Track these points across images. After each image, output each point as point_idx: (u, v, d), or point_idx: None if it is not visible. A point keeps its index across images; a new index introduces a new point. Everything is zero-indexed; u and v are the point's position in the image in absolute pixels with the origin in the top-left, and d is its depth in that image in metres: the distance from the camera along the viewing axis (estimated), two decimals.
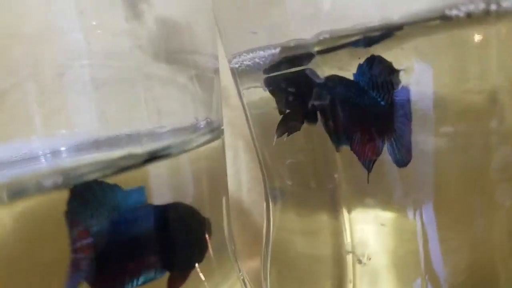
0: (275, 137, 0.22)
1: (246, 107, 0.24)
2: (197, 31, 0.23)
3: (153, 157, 0.19)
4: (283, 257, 0.26)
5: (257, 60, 0.21)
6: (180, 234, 0.19)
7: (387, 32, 0.18)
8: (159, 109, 0.22)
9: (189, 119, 0.22)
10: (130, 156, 0.18)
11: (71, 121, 0.19)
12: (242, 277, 0.24)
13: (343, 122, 0.20)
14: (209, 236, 0.21)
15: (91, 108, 0.19)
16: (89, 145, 0.19)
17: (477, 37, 0.17)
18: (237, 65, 0.23)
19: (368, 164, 0.20)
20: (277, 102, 0.22)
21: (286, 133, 0.22)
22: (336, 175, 0.21)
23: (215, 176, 0.22)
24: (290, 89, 0.21)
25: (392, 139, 0.19)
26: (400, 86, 0.18)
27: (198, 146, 0.21)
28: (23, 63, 0.17)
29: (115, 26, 0.21)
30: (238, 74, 0.23)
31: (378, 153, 0.20)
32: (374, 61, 0.19)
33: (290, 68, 0.20)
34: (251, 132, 0.26)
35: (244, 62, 0.22)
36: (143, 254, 0.18)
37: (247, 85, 0.23)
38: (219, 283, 0.23)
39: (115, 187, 0.18)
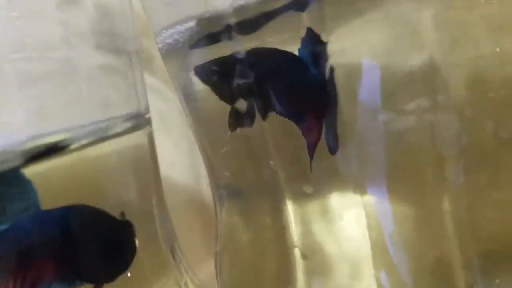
0: (228, 132, 0.20)
1: (181, 98, 0.22)
2: (126, 13, 0.22)
3: (49, 149, 0.16)
4: (231, 256, 0.23)
5: (176, 36, 0.18)
6: (86, 241, 0.17)
7: None
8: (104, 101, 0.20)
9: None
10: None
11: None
12: (184, 281, 0.22)
13: (281, 101, 0.18)
14: (133, 240, 0.19)
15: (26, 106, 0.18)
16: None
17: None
18: (160, 45, 0.20)
19: (311, 149, 0.18)
20: (217, 92, 0.19)
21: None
22: (271, 162, 0.19)
23: (140, 172, 0.20)
24: (215, 69, 0.18)
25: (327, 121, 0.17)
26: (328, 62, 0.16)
27: (108, 138, 0.18)
28: None
29: (47, 14, 0.19)
30: (164, 56, 0.21)
31: (320, 137, 0.17)
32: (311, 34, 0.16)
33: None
34: (191, 126, 0.23)
35: (166, 41, 0.19)
36: (41, 264, 0.16)
37: (175, 71, 0.21)
38: None
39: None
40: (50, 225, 0.16)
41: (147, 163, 0.20)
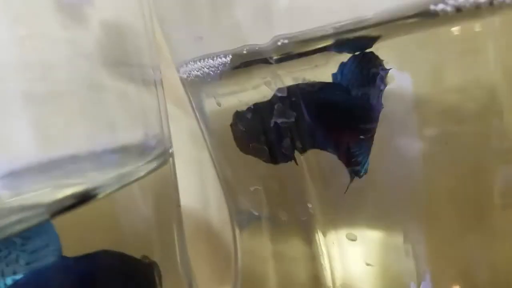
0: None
1: (200, 121, 0.21)
2: (139, 39, 0.21)
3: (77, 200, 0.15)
4: (253, 286, 0.22)
5: (206, 70, 0.17)
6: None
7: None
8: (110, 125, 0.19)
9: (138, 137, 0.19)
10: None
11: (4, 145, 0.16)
12: None
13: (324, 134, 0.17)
14: (159, 281, 0.18)
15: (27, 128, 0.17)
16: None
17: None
18: (185, 75, 0.19)
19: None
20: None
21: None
22: (309, 205, 0.18)
23: (163, 205, 0.19)
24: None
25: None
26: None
27: (145, 175, 0.17)
28: None
29: (53, 34, 0.18)
30: (188, 85, 0.20)
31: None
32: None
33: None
34: (209, 150, 0.22)
35: (192, 72, 0.18)
36: None
37: (199, 98, 0.20)
38: None
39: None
40: (71, 273, 0.15)
41: (170, 196, 0.19)
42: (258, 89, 0.17)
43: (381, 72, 0.15)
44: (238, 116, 0.18)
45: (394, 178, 0.16)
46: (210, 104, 0.19)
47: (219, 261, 0.30)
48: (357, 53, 0.15)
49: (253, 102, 0.17)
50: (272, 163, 0.18)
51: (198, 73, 0.18)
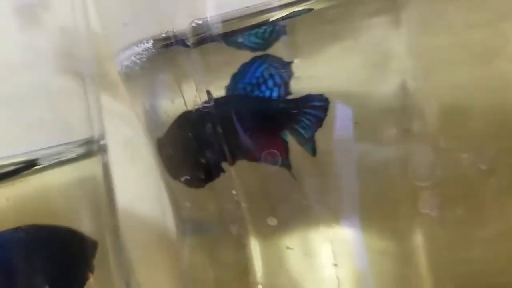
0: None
1: (142, 122, 0.21)
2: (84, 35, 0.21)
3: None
4: None
5: (133, 58, 0.17)
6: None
7: None
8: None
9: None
10: None
11: None
12: None
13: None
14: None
15: None
16: None
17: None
18: (118, 68, 0.19)
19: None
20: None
21: None
22: (234, 192, 0.17)
23: (93, 205, 0.19)
24: None
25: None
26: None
27: (62, 163, 0.17)
28: None
29: (9, 37, 0.19)
30: (123, 79, 0.20)
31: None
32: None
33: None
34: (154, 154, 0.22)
35: (123, 63, 0.18)
36: None
37: (135, 95, 0.20)
38: None
39: None
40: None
41: (100, 195, 0.19)
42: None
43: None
44: (160, 144, 0.18)
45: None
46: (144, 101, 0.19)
47: (175, 269, 0.30)
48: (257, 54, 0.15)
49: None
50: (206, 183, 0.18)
51: (127, 62, 0.18)
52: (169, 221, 0.32)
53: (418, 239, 0.16)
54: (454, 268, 0.16)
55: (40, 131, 0.19)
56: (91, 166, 0.18)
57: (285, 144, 0.16)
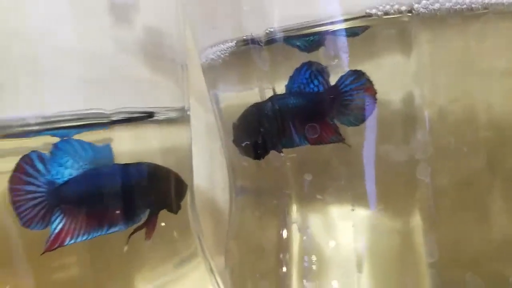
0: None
1: (214, 109, 0.28)
2: (173, 34, 0.27)
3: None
4: (240, 241, 0.28)
5: (218, 53, 0.24)
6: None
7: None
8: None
9: None
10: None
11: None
12: (210, 266, 0.26)
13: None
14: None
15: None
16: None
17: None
18: (204, 60, 0.26)
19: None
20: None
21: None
22: (282, 155, 0.24)
23: (180, 162, 0.25)
24: None
25: None
26: None
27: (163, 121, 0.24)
28: (21, 59, 0.20)
29: (103, 31, 0.23)
30: (205, 70, 0.27)
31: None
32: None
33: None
34: (220, 136, 0.29)
35: (209, 56, 0.25)
36: (110, 205, 0.21)
37: (212, 84, 0.27)
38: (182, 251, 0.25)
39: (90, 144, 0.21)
40: (119, 174, 0.21)
41: (185, 157, 0.25)
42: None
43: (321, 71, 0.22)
44: (234, 126, 0.25)
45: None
46: (223, 98, 0.26)
47: (221, 234, 0.36)
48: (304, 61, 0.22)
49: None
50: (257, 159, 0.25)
51: (213, 56, 0.25)
52: (218, 192, 0.38)
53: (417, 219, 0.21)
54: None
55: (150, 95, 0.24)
56: (181, 131, 0.25)
57: (334, 125, 0.22)
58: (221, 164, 0.38)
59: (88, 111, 0.21)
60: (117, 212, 0.21)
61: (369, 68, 0.21)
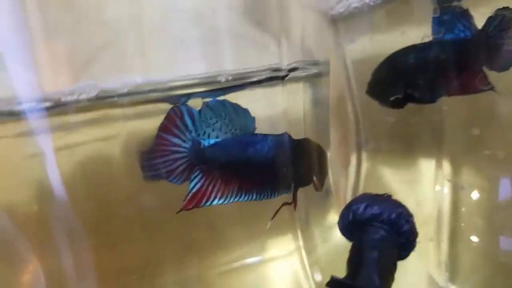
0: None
1: (347, 60, 0.26)
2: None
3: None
4: None
5: (367, 1, 0.22)
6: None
7: None
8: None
9: None
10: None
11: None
12: None
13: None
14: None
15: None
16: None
17: None
18: (342, 9, 0.24)
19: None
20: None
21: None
22: (444, 107, 0.22)
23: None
24: None
25: None
26: None
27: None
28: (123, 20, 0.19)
29: None
30: (342, 20, 0.25)
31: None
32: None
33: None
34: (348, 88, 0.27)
35: (352, 5, 0.23)
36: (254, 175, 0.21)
37: (351, 36, 0.25)
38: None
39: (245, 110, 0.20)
40: (259, 143, 0.21)
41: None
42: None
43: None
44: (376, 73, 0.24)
45: None
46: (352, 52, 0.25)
47: None
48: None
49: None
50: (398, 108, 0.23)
51: (358, 4, 0.23)
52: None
53: None
54: None
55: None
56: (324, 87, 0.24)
57: (482, 72, 0.21)
58: None
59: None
60: (261, 181, 0.21)
61: None
